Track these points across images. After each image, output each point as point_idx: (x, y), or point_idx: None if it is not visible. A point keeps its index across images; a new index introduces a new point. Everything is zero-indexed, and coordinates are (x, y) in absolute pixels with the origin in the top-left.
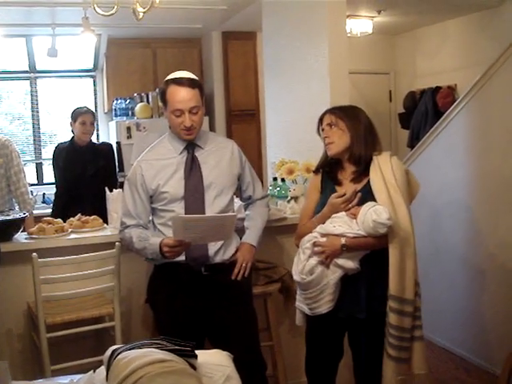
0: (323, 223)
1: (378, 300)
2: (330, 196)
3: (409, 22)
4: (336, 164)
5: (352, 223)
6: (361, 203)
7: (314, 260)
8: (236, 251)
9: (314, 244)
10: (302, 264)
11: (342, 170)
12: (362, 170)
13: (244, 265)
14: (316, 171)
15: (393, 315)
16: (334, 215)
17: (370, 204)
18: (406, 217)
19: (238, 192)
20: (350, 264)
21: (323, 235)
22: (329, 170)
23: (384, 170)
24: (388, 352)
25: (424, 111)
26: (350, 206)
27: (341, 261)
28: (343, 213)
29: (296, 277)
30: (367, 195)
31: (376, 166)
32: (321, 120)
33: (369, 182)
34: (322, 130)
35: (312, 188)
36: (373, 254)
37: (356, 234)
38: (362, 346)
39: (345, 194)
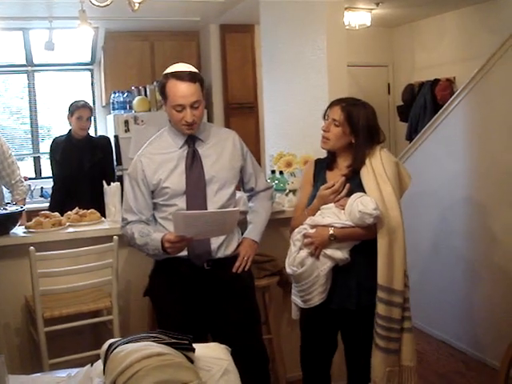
0: (313, 215)
1: (369, 291)
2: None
3: (407, 15)
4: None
5: (340, 214)
6: (350, 195)
7: (304, 252)
8: (238, 246)
9: (304, 236)
10: (293, 256)
11: (338, 160)
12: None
13: (246, 258)
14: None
15: (381, 305)
16: (323, 207)
17: (357, 195)
18: (396, 207)
19: (240, 184)
20: (338, 254)
21: (312, 227)
22: (329, 155)
23: (373, 162)
24: (377, 343)
25: (423, 104)
26: (339, 197)
27: (329, 251)
28: (332, 204)
29: (288, 269)
30: (357, 187)
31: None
32: (330, 107)
33: (358, 174)
34: (327, 118)
35: (305, 181)
36: (363, 245)
37: (343, 225)
38: (353, 338)
39: (333, 186)
